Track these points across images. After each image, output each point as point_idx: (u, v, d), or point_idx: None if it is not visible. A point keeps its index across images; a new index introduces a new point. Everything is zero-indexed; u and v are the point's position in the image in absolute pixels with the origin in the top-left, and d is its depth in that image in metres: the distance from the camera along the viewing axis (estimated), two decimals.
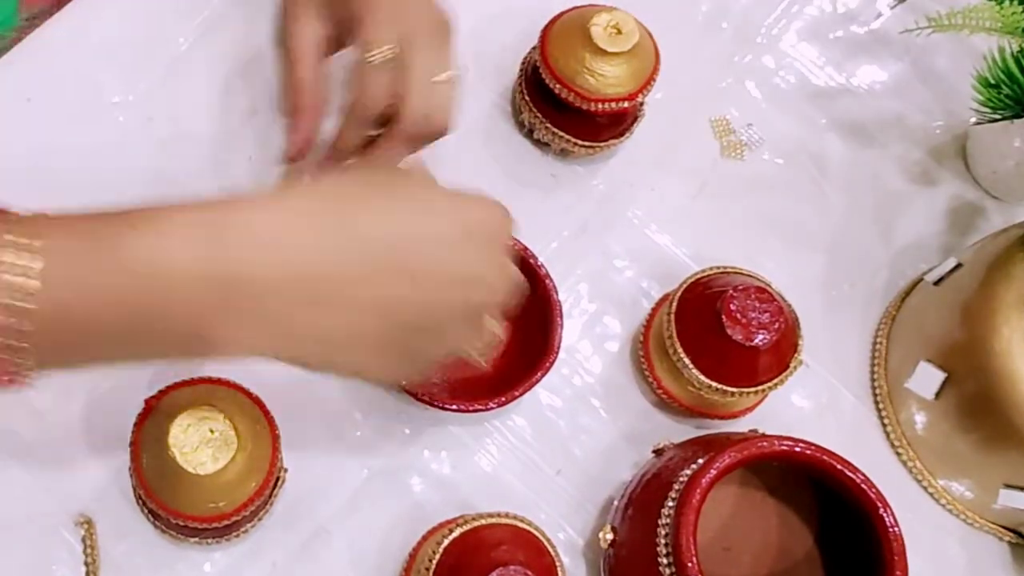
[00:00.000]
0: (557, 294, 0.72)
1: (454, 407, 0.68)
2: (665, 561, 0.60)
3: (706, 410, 0.73)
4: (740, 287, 0.67)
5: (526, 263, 0.72)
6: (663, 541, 0.60)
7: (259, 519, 0.66)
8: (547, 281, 0.72)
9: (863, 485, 0.61)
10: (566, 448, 0.74)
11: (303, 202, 0.51)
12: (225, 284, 0.48)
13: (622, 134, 0.78)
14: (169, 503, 0.61)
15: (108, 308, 0.47)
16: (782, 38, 0.87)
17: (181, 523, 0.61)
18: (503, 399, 0.69)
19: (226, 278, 0.48)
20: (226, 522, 0.61)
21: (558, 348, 0.70)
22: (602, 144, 0.78)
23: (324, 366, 0.53)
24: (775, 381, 0.69)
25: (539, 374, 0.69)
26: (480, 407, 0.69)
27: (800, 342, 0.70)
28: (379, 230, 0.51)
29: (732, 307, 0.67)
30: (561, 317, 0.71)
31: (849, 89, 0.86)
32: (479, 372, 0.64)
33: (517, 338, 0.72)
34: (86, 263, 0.47)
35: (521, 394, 0.69)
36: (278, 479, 0.66)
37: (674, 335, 0.70)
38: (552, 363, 0.70)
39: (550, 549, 0.63)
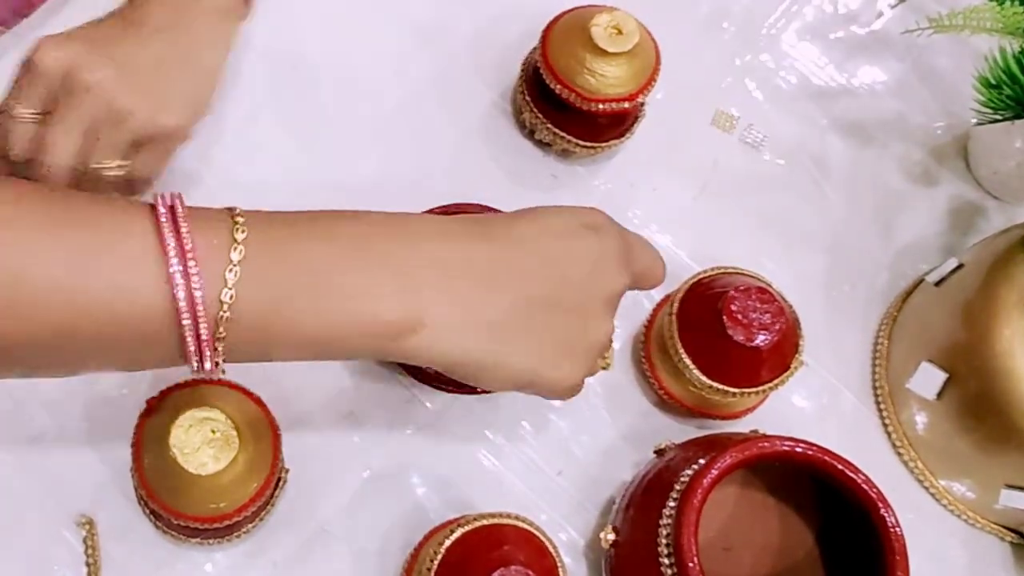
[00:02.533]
0: None
1: (451, 388, 0.69)
2: (666, 561, 0.60)
3: (707, 410, 0.73)
4: (741, 287, 0.67)
5: None
6: (664, 541, 0.60)
7: (260, 519, 0.66)
8: None
9: (864, 485, 0.61)
10: (567, 448, 0.74)
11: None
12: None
13: (623, 134, 0.78)
14: (170, 503, 0.60)
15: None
16: (782, 38, 0.87)
17: (182, 523, 0.61)
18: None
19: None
20: (227, 522, 0.61)
21: None
22: (603, 144, 0.78)
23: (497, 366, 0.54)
24: (776, 381, 0.69)
25: None
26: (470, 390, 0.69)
27: (801, 342, 0.70)
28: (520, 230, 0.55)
29: (733, 307, 0.67)
30: None
31: (850, 89, 0.86)
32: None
33: None
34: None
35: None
36: (279, 479, 0.66)
37: (675, 335, 0.70)
38: None
39: (551, 549, 0.63)
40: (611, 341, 0.60)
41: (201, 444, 0.59)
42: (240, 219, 0.49)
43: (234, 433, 0.60)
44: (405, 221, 0.54)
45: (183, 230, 0.47)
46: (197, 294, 0.47)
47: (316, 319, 0.50)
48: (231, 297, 0.47)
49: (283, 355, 0.52)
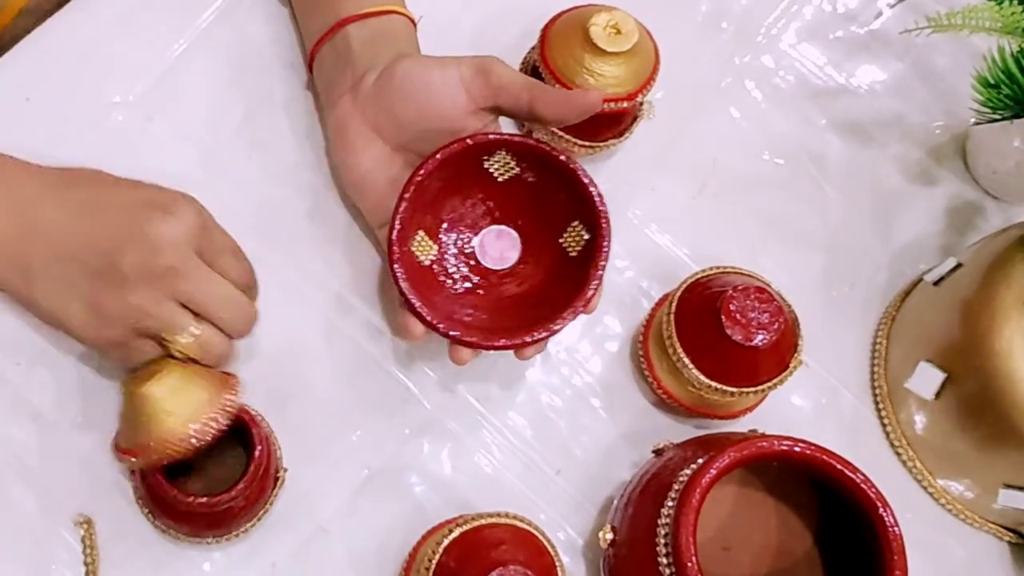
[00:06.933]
0: (608, 226, 0.66)
1: (483, 342, 0.64)
2: (665, 561, 0.60)
3: (706, 410, 0.73)
4: (740, 287, 0.67)
5: (583, 185, 0.67)
6: (663, 541, 0.60)
7: (259, 519, 0.66)
8: (600, 207, 0.67)
9: (863, 485, 0.61)
10: (566, 448, 0.74)
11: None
12: None
13: (622, 134, 0.78)
14: (136, 444, 0.60)
15: None
16: (782, 38, 0.87)
17: (173, 498, 0.61)
18: (531, 336, 0.64)
19: None
20: (220, 510, 0.61)
21: (596, 286, 0.65)
22: (601, 144, 0.78)
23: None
24: (775, 381, 0.69)
25: (569, 313, 0.64)
26: (506, 343, 0.64)
27: (800, 342, 0.70)
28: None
29: (732, 307, 0.67)
30: (606, 254, 0.65)
31: (849, 89, 0.86)
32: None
33: (553, 276, 0.69)
34: None
35: (550, 334, 0.64)
36: (278, 479, 0.66)
37: (674, 335, 0.70)
38: (588, 300, 0.64)
39: (550, 549, 0.63)
40: (171, 320, 0.62)
41: (151, 376, 0.60)
42: None
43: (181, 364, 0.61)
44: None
45: None
46: None
47: None
48: None
49: None
